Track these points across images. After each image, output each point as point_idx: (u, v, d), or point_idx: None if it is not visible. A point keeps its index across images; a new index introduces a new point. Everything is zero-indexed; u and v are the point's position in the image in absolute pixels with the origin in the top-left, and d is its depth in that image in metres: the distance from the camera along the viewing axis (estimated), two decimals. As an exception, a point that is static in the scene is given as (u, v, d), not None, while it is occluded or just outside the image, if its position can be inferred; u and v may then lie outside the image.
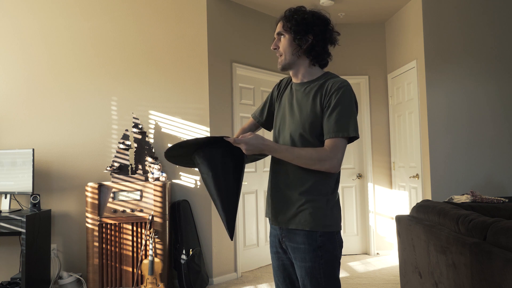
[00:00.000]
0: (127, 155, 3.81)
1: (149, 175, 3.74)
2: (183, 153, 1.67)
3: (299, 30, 1.67)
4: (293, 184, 1.66)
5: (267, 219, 4.76)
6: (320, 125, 1.64)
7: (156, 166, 3.75)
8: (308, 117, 1.65)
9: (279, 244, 1.75)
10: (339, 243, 1.67)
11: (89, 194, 3.61)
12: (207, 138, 1.57)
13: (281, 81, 1.90)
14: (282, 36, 1.73)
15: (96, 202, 3.61)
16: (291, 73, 1.78)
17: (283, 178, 1.69)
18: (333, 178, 1.67)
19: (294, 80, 1.79)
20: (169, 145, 4.05)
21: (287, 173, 1.68)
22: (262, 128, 2.01)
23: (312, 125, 1.65)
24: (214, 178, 1.60)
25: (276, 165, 1.73)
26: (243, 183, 4.46)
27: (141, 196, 3.65)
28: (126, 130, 3.88)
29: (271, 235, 1.81)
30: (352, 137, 1.62)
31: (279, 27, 1.74)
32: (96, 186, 3.62)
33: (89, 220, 3.61)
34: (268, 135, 4.74)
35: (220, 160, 1.60)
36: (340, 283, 1.67)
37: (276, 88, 1.89)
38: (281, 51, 1.73)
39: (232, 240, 1.68)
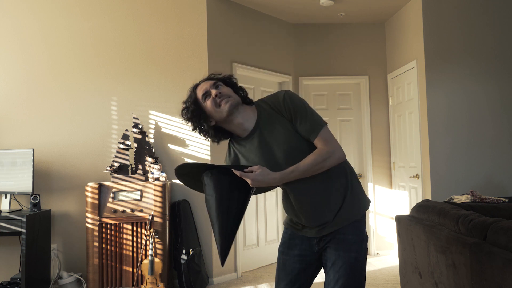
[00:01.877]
0: (127, 155, 3.81)
1: (149, 175, 3.74)
2: (192, 172, 1.68)
3: (234, 87, 1.77)
4: (320, 202, 1.72)
5: (267, 219, 4.75)
6: (299, 136, 1.69)
7: (156, 166, 3.75)
8: (290, 141, 1.68)
9: (308, 246, 1.78)
10: (367, 238, 1.80)
11: (89, 194, 3.61)
12: (215, 166, 1.60)
13: (227, 156, 1.85)
14: (220, 86, 1.72)
15: (96, 202, 3.61)
16: (234, 125, 1.72)
17: (307, 201, 1.73)
18: (343, 172, 1.74)
19: (239, 133, 1.75)
20: (169, 145, 4.06)
21: (307, 197, 1.72)
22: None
23: (298, 143, 1.69)
24: (217, 201, 1.59)
25: (292, 193, 1.75)
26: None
27: (141, 196, 3.65)
28: (126, 130, 3.88)
29: (295, 237, 1.81)
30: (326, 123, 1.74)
31: (210, 83, 1.72)
32: (96, 186, 3.62)
33: (89, 220, 3.61)
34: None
35: (226, 186, 1.60)
36: None
37: (228, 158, 1.85)
38: (228, 93, 1.70)
39: (223, 266, 1.68)
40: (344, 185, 1.73)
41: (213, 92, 1.69)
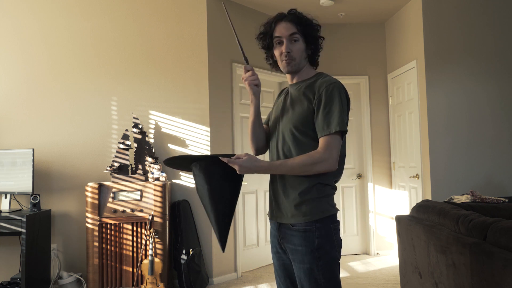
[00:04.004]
0: (127, 155, 3.81)
1: (149, 175, 3.74)
2: (182, 163, 1.73)
3: (312, 41, 1.74)
4: (290, 188, 1.68)
5: (267, 219, 4.76)
6: (311, 122, 1.66)
7: (156, 166, 3.75)
8: (299, 113, 1.69)
9: (278, 245, 1.77)
10: (338, 243, 1.66)
11: (89, 194, 3.61)
12: (204, 156, 1.63)
13: (280, 93, 1.96)
14: (296, 41, 1.72)
15: (96, 202, 3.61)
16: (291, 76, 1.82)
17: (279, 182, 1.72)
18: (331, 175, 1.68)
19: (290, 82, 1.83)
20: (169, 145, 4.06)
21: (283, 177, 1.71)
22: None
23: (302, 120, 1.67)
24: (209, 191, 1.64)
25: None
26: (243, 183, 4.46)
27: (141, 196, 3.65)
28: (126, 130, 3.88)
29: (271, 235, 1.83)
30: (345, 131, 1.63)
31: (292, 29, 1.70)
32: (96, 186, 3.62)
33: (89, 220, 3.61)
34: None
35: (217, 176, 1.64)
36: (341, 284, 1.68)
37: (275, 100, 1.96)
38: (294, 55, 1.72)
39: (223, 252, 1.70)
40: (310, 193, 1.64)
41: (284, 47, 1.71)
